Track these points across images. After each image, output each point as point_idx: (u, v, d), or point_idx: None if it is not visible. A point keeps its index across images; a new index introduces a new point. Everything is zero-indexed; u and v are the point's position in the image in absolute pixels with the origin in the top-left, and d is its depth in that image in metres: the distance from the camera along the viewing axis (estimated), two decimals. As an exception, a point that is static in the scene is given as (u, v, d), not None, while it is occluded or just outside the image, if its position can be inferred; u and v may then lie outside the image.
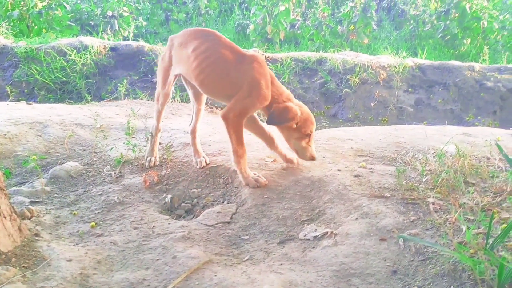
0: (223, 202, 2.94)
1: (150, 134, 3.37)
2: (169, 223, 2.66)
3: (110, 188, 3.06)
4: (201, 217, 2.74)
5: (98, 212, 2.79)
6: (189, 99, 5.65)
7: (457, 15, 8.94)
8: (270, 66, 7.10)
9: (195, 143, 3.33)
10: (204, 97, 3.34)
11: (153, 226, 2.62)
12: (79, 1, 10.86)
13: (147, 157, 3.36)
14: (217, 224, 2.65)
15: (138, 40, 8.14)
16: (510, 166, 2.48)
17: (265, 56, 7.24)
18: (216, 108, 5.46)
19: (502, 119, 6.56)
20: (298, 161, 3.20)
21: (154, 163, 3.34)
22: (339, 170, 3.14)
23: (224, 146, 3.56)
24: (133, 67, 7.18)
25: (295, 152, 3.09)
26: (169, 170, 3.25)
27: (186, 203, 3.00)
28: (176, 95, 5.53)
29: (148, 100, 5.45)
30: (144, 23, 10.52)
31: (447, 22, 9.05)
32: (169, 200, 2.97)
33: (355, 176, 3.04)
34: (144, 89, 6.46)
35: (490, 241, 2.13)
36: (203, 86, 3.01)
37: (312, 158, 3.04)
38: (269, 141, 3.20)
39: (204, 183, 3.15)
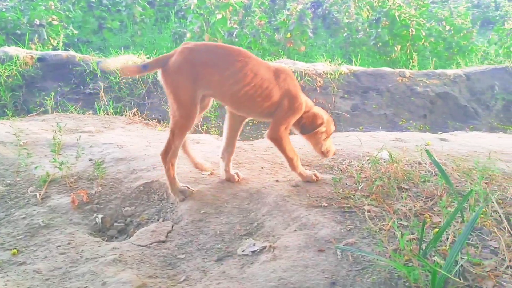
0: (158, 220, 2.82)
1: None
2: (99, 246, 2.50)
3: (34, 210, 2.85)
4: (134, 237, 2.60)
5: (21, 238, 2.58)
6: (122, 113, 5.48)
7: (387, 23, 9.29)
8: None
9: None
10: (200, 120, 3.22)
11: (82, 250, 2.45)
12: (3, 9, 10.26)
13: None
14: (151, 244, 2.53)
15: (68, 50, 7.77)
16: (439, 170, 2.54)
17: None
18: (152, 121, 5.29)
19: (432, 122, 6.87)
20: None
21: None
22: (277, 180, 3.12)
23: (159, 160, 3.42)
24: (63, 78, 6.82)
25: (322, 153, 3.20)
26: (100, 188, 3.08)
27: (118, 223, 2.85)
28: (109, 107, 5.31)
29: (78, 113, 5.19)
30: (76, 31, 10.10)
31: (379, 30, 9.39)
32: (100, 221, 2.81)
33: (293, 186, 3.03)
34: (76, 101, 6.15)
35: (424, 246, 2.17)
36: (242, 106, 2.94)
37: (334, 154, 3.26)
38: (231, 147, 3.13)
39: (138, 200, 3.01)
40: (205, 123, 5.92)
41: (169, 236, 2.61)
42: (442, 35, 9.75)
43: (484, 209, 2.48)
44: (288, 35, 9.47)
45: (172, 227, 2.69)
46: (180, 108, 2.79)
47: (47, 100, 5.51)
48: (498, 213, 2.48)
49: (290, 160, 3.03)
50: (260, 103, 2.88)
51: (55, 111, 5.46)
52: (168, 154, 2.88)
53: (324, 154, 3.19)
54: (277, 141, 2.97)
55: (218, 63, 2.80)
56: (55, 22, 9.29)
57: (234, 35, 10.15)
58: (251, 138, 5.69)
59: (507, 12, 12.41)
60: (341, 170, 3.28)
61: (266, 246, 2.42)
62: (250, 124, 6.71)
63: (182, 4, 11.73)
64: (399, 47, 9.35)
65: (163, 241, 2.56)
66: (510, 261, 2.09)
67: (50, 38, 9.01)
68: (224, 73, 2.79)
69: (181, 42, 10.27)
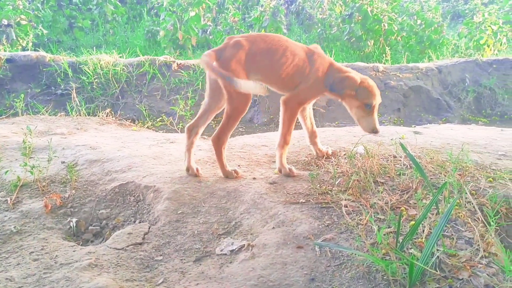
0: (134, 222, 2.77)
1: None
2: (74, 251, 2.44)
3: (5, 216, 2.76)
4: (110, 241, 2.55)
5: (-8, 245, 2.50)
6: (95, 114, 5.38)
7: (360, 18, 9.37)
8: (182, 73, 6.96)
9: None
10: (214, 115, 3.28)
11: (56, 256, 2.39)
12: (-31, 9, 9.95)
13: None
14: (128, 246, 2.48)
15: (38, 50, 7.59)
16: (413, 164, 2.57)
17: (177, 63, 7.08)
18: (126, 121, 5.21)
19: (406, 116, 6.97)
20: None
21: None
22: (254, 178, 3.10)
23: (134, 161, 3.38)
24: (34, 79, 6.67)
25: (359, 124, 3.17)
26: (73, 191, 3.01)
27: (94, 226, 2.80)
28: (82, 107, 5.20)
29: (50, 115, 5.06)
30: (45, 31, 9.87)
31: (352, 25, 9.46)
32: (75, 224, 2.75)
33: (270, 183, 3.02)
34: (47, 103, 6.02)
35: (400, 239, 2.19)
36: (284, 85, 3.15)
37: (373, 131, 3.12)
38: (313, 134, 3.46)
39: (114, 203, 2.95)
40: (180, 121, 5.86)
41: (146, 238, 2.57)
42: (414, 29, 9.89)
43: (458, 201, 2.52)
44: (262, 31, 9.45)
45: (149, 228, 2.65)
46: (239, 95, 2.94)
47: (16, 102, 5.36)
48: (472, 204, 2.52)
49: (283, 136, 3.12)
50: (298, 79, 3.11)
51: (25, 113, 5.32)
52: (220, 139, 3.05)
53: (359, 124, 3.18)
54: (287, 108, 3.10)
55: (264, 51, 3.06)
56: (23, 22, 9.06)
57: (208, 32, 10.10)
58: (227, 136, 5.66)
59: (476, 5, 12.65)
60: (317, 166, 3.29)
61: (244, 244, 2.40)
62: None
63: (154, 1, 11.58)
64: (372, 41, 9.45)
65: (140, 243, 2.51)
66: (484, 251, 2.13)
67: (18, 38, 8.78)
68: (271, 59, 3.06)
69: (155, 40, 10.18)
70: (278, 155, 3.14)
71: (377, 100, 3.12)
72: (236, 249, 2.39)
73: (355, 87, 3.07)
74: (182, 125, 5.65)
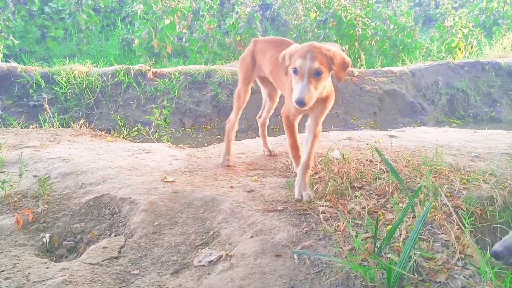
0: (110, 235, 2.71)
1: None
2: (47, 267, 2.37)
3: (-25, 234, 2.67)
4: (84, 256, 2.48)
5: (-40, 265, 2.41)
6: (69, 125, 5.29)
7: (334, 23, 9.46)
8: (158, 81, 6.90)
9: (264, 136, 3.83)
10: (277, 97, 3.76)
11: (28, 274, 2.31)
12: None
13: (224, 157, 3.57)
14: (103, 261, 2.42)
15: (9, 61, 7.43)
16: (388, 168, 2.59)
17: (152, 72, 7.01)
18: (101, 131, 5.13)
19: (382, 119, 7.05)
20: None
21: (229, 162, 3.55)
22: (232, 187, 3.08)
23: (109, 172, 3.32)
24: (5, 91, 6.52)
25: None
26: (46, 206, 2.93)
27: (68, 241, 2.72)
28: (55, 119, 5.09)
29: (22, 128, 4.94)
30: (17, 42, 9.67)
31: (326, 30, 9.55)
32: (48, 240, 2.67)
33: (248, 191, 3.00)
34: (19, 115, 5.88)
35: (378, 244, 2.19)
36: (277, 84, 3.36)
37: (295, 101, 2.53)
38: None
39: (88, 216, 2.89)
40: (157, 131, 5.81)
41: (122, 251, 2.51)
42: (387, 33, 10.04)
43: (433, 203, 2.55)
44: (238, 38, 9.46)
45: (125, 241, 2.59)
46: (239, 84, 3.52)
47: (-14, 116, 5.23)
48: (447, 206, 2.55)
49: (289, 146, 3.10)
50: (280, 80, 3.18)
51: (-4, 126, 5.18)
52: (230, 121, 3.63)
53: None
54: (283, 120, 3.09)
55: (266, 50, 3.33)
56: (-7, 33, 8.87)
57: (183, 40, 10.06)
58: (205, 144, 5.63)
59: (447, 9, 12.93)
60: (295, 172, 3.28)
61: (222, 255, 2.37)
62: (204, 129, 6.65)
63: (128, 10, 11.49)
64: (347, 46, 9.54)
65: (116, 257, 2.46)
66: (460, 253, 2.15)
67: (-12, 49, 8.57)
68: (265, 58, 3.31)
69: (129, 49, 10.10)
70: (294, 162, 3.15)
71: (306, 63, 2.56)
72: (214, 260, 2.36)
73: (287, 53, 2.75)
74: (158, 135, 5.60)
